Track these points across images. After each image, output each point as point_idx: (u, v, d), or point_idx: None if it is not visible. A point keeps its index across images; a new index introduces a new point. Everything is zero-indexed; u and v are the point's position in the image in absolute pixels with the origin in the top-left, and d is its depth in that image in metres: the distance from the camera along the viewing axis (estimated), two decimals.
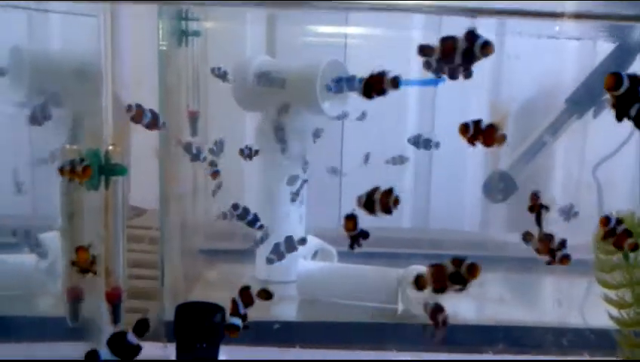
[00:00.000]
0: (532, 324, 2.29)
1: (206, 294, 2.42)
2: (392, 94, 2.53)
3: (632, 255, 1.62)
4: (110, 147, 1.58)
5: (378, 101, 2.54)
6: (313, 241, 2.67)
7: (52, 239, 1.99)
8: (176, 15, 2.10)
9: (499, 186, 2.80)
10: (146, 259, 2.57)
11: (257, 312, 2.40)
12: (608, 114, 2.83)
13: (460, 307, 2.55)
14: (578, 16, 2.11)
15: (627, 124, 2.94)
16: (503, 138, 1.36)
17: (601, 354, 1.96)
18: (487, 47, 1.25)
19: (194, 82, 2.43)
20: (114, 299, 1.60)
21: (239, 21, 2.81)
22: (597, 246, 1.72)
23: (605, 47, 2.75)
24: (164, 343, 1.86)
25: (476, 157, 3.16)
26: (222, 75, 2.44)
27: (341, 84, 2.31)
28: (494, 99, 2.85)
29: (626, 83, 1.10)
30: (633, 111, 1.14)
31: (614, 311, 1.64)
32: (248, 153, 2.29)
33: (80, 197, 1.57)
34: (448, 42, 1.27)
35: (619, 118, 1.16)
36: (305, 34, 2.77)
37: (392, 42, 2.81)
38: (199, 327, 1.50)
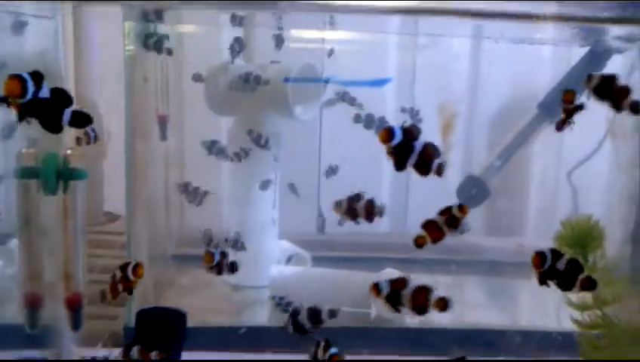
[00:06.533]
0: (507, 328, 2.29)
1: (177, 300, 2.40)
2: (370, 97, 2.55)
3: (590, 258, 1.62)
4: (69, 151, 1.56)
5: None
6: (286, 246, 2.66)
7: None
8: (141, 17, 2.08)
9: (472, 191, 2.80)
10: (116, 264, 2.54)
11: (228, 317, 2.41)
12: (581, 118, 2.86)
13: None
14: (558, 18, 2.14)
15: (601, 128, 2.96)
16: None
17: (566, 355, 1.96)
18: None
19: (163, 85, 2.41)
20: (74, 305, 1.57)
21: (215, 25, 2.79)
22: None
23: (578, 52, 2.77)
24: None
25: (454, 160, 3.17)
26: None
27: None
28: (442, 101, 2.86)
29: (398, 135, 1.20)
30: (411, 162, 1.24)
31: (576, 315, 1.64)
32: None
33: (37, 202, 1.54)
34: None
35: (398, 169, 1.24)
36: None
37: (369, 46, 2.81)
38: (159, 332, 1.48)
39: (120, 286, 1.35)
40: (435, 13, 2.09)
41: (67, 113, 1.09)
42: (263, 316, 2.47)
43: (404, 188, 3.31)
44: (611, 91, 1.38)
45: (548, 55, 2.94)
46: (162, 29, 2.20)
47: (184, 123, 2.71)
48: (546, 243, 2.90)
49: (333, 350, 1.45)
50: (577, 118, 2.75)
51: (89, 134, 1.57)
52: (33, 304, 1.58)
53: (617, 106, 1.39)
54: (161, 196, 2.56)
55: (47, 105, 1.07)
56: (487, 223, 3.19)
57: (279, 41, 2.37)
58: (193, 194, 2.43)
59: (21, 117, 1.06)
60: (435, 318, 2.45)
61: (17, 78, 1.03)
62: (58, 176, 1.52)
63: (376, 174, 3.24)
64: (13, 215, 1.98)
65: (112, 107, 1.96)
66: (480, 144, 3.08)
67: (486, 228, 3.22)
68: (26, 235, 1.54)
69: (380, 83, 2.77)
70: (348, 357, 2.10)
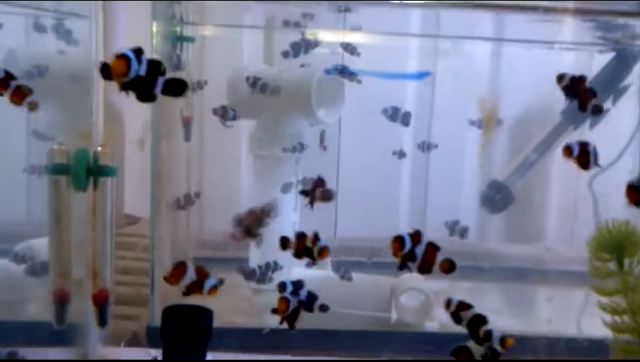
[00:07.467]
0: (526, 334, 2.26)
1: (198, 302, 2.39)
2: (389, 99, 2.54)
3: (626, 261, 1.60)
4: (99, 148, 1.57)
5: (374, 105, 2.54)
6: None
7: (42, 244, 1.96)
8: (170, 18, 2.10)
9: (496, 197, 2.78)
10: (138, 266, 2.55)
11: (250, 319, 2.40)
12: (605, 125, 2.83)
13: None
14: (578, 12, 2.13)
15: (625, 135, 2.93)
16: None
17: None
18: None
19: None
20: (100, 301, 1.58)
21: (237, 28, 2.81)
22: (592, 253, 1.70)
23: (601, 58, 2.75)
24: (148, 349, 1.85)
25: (473, 166, 3.15)
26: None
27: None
28: (482, 97, 2.85)
29: (408, 244, 1.27)
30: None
31: (608, 318, 1.62)
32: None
33: (67, 198, 1.55)
34: None
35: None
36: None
37: (389, 50, 2.81)
38: (186, 330, 1.48)
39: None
40: (456, 6, 2.09)
41: (160, 82, 1.11)
42: None
43: (423, 192, 3.30)
44: (579, 91, 1.50)
45: (571, 61, 2.92)
46: (188, 31, 2.21)
47: (206, 125, 2.72)
48: (568, 249, 2.89)
49: (323, 243, 1.44)
50: (601, 125, 2.75)
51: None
52: (61, 300, 1.58)
53: (582, 106, 1.50)
54: (183, 198, 2.56)
55: (146, 79, 1.09)
56: (507, 229, 3.17)
57: (303, 46, 2.36)
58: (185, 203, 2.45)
59: (123, 90, 1.08)
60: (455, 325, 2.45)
61: (123, 58, 1.05)
62: (88, 172, 1.53)
63: (395, 176, 3.23)
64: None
65: (138, 109, 1.98)
66: (502, 149, 3.07)
67: (506, 235, 3.20)
68: (57, 231, 1.55)
69: (418, 77, 2.76)
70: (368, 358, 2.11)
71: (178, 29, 2.21)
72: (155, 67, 1.10)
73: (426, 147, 2.60)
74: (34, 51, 2.09)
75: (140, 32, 2.05)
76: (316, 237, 1.48)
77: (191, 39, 2.31)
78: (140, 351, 1.94)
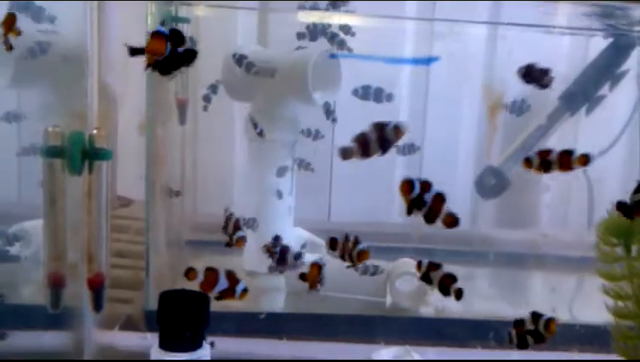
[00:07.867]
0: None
1: (192, 285, 2.38)
2: (383, 82, 2.52)
3: (634, 247, 1.60)
4: (95, 131, 1.54)
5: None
6: (302, 233, 2.65)
7: (35, 227, 1.94)
8: None
9: (491, 183, 2.78)
10: (131, 249, 2.53)
11: (244, 303, 2.40)
12: (601, 111, 2.82)
13: (448, 301, 2.53)
14: None
15: (619, 122, 2.93)
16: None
17: (591, 350, 1.95)
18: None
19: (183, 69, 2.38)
20: (96, 286, 1.56)
21: (231, 9, 2.77)
22: (600, 237, 1.70)
23: (598, 44, 2.74)
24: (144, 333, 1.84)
25: (467, 152, 3.15)
26: None
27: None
28: (487, 83, 2.83)
29: (417, 188, 1.28)
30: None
31: (611, 304, 1.62)
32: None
33: (62, 181, 1.52)
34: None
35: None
36: (297, 23, 2.73)
37: (385, 32, 2.78)
38: (183, 315, 1.47)
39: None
40: None
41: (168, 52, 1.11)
42: (279, 302, 2.46)
43: (417, 178, 3.28)
44: (534, 74, 1.72)
45: (567, 45, 2.91)
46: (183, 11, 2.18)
47: (201, 107, 2.69)
48: (561, 235, 2.89)
49: (363, 245, 1.44)
50: (596, 112, 2.75)
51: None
52: (56, 283, 1.57)
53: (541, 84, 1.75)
54: (177, 181, 2.54)
55: (172, 55, 1.07)
56: (501, 215, 3.18)
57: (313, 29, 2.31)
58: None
59: (150, 67, 1.07)
60: (450, 308, 2.46)
61: (162, 36, 1.04)
62: (83, 155, 1.51)
63: (389, 160, 3.21)
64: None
65: (134, 91, 1.95)
66: (498, 135, 3.06)
67: (499, 220, 3.20)
68: (52, 215, 1.53)
69: (427, 61, 2.73)
70: (362, 346, 2.11)
71: (173, 9, 2.17)
72: (176, 37, 1.09)
73: (407, 150, 2.53)
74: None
75: (134, 11, 2.01)
76: (356, 240, 1.48)
77: (186, 20, 2.27)
78: (134, 335, 1.94)
